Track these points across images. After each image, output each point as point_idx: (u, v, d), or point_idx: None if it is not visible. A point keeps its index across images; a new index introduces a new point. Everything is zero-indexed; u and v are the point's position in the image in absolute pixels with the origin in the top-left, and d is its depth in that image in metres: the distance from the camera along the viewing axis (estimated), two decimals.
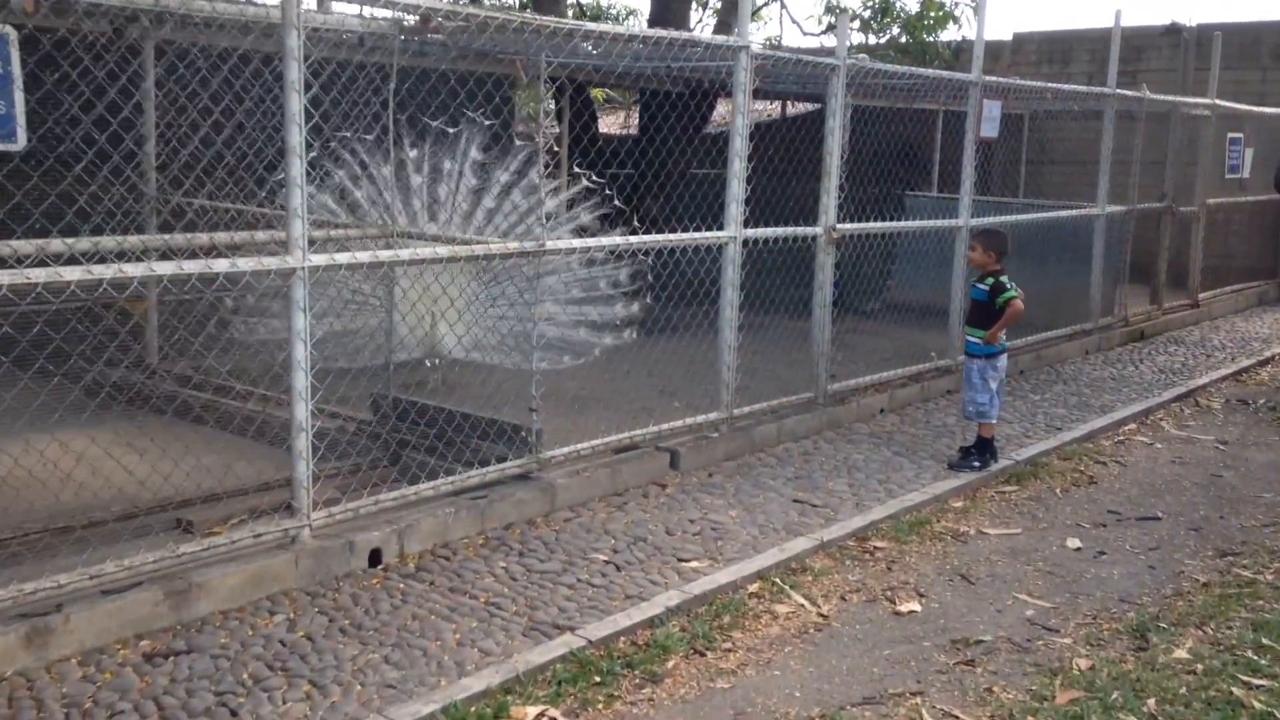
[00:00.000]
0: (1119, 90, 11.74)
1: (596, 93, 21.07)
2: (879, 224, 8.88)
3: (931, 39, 17.73)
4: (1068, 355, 11.47)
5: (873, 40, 18.27)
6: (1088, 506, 7.03)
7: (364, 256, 5.24)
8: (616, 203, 8.38)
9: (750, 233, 7.53)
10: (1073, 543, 6.32)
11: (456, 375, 8.59)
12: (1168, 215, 13.63)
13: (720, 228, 7.34)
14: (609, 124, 21.64)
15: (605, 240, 6.57)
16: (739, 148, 7.31)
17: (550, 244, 6.17)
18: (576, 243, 6.35)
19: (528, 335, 8.47)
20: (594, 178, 8.54)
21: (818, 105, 15.11)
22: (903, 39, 17.74)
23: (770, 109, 18.21)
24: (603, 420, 7.91)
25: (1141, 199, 12.77)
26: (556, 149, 8.34)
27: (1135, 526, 6.68)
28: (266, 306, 8.09)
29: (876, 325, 11.78)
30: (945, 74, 9.53)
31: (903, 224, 9.29)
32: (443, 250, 5.63)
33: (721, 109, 15.46)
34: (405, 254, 5.46)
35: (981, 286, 7.40)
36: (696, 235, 7.18)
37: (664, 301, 8.29)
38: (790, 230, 7.96)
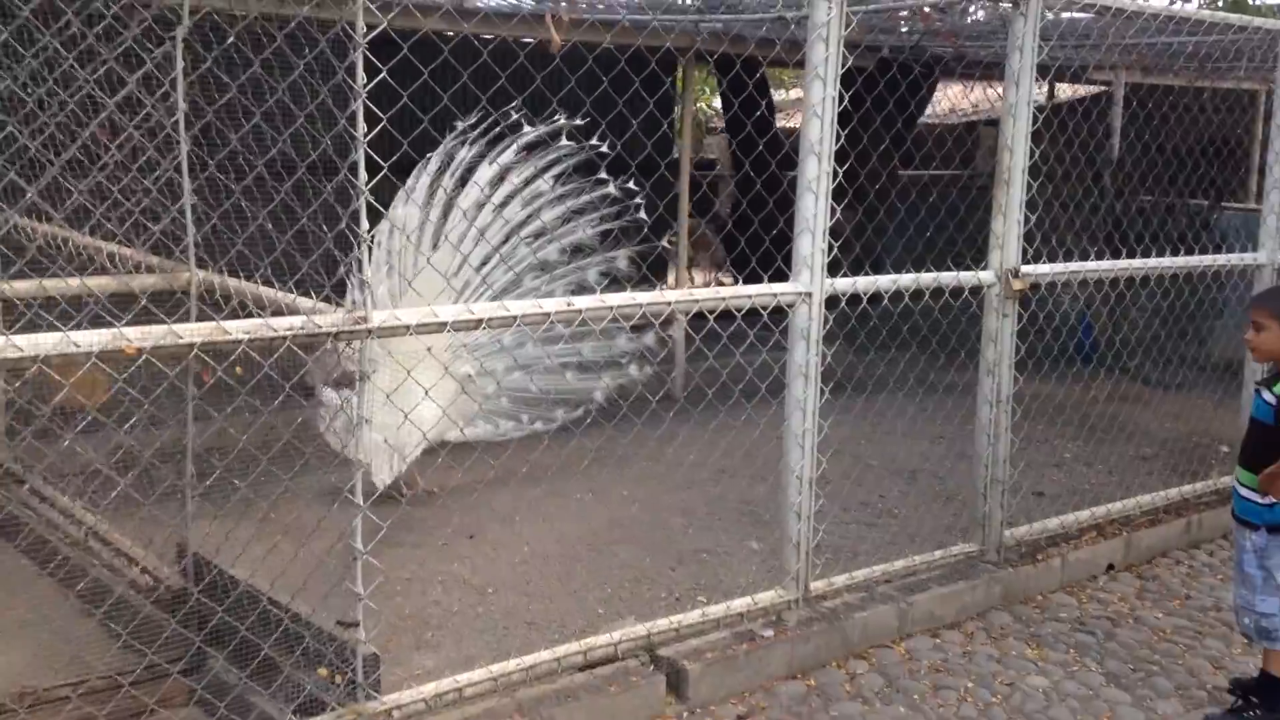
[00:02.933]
0: None
1: None
2: (1107, 264, 5.38)
3: (1256, 2, 13.50)
4: None
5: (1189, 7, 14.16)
6: None
7: None
8: (642, 215, 5.58)
9: (843, 284, 4.36)
10: None
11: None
12: None
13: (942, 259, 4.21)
14: None
15: (507, 307, 3.56)
16: (815, 138, 4.16)
17: (380, 319, 3.27)
18: (447, 312, 3.40)
19: (520, 393, 5.82)
20: (625, 184, 5.74)
21: (1103, 86, 11.36)
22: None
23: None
24: (614, 577, 4.97)
25: None
26: (587, 145, 5.49)
27: None
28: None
29: (1142, 391, 8.18)
30: (1233, 17, 5.86)
31: (1156, 262, 5.70)
32: (91, 339, 2.84)
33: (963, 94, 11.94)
34: None
35: (1268, 398, 3.87)
36: (724, 291, 4.06)
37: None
38: (929, 277, 4.68)
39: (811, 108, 4.17)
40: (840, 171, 4.25)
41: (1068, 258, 5.40)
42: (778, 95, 19.38)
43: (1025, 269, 4.90)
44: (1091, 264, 5.25)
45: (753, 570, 5.02)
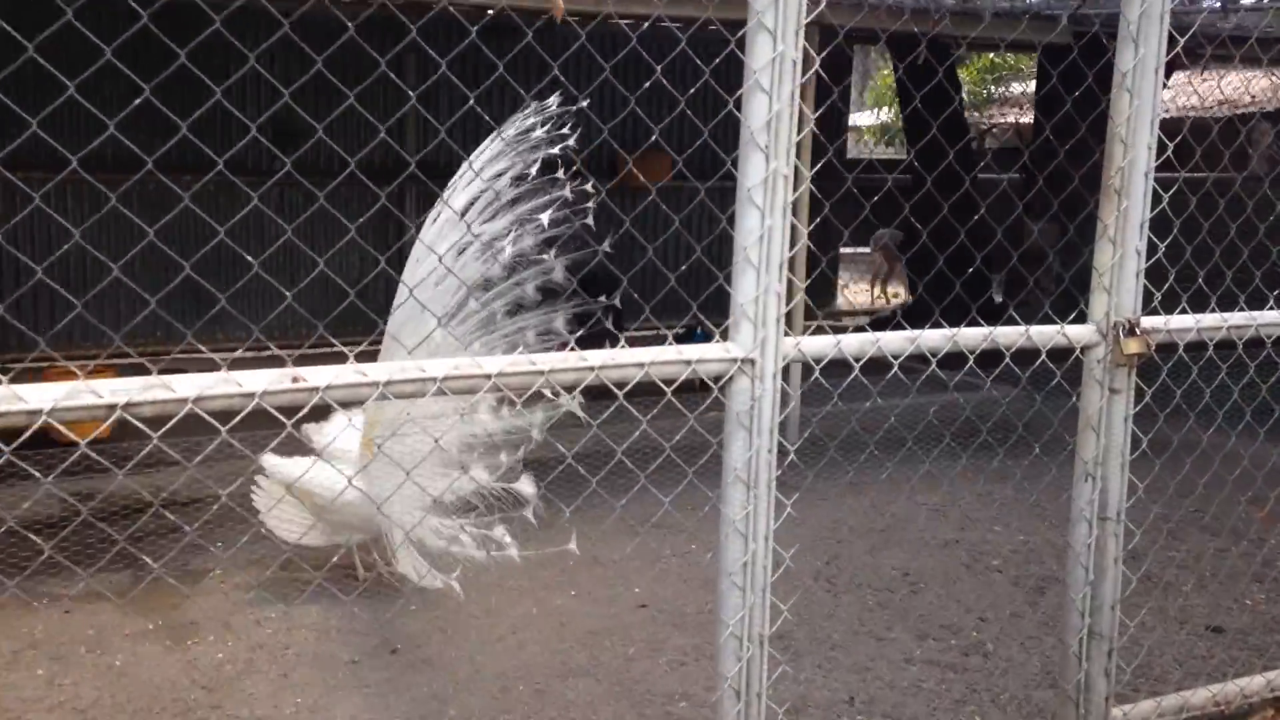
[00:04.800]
0: None
1: None
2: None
3: None
4: None
5: None
6: None
7: None
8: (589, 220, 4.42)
9: (814, 345, 2.88)
10: None
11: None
12: None
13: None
14: None
15: (238, 383, 2.32)
16: (758, 122, 2.70)
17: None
18: (115, 388, 2.19)
19: (469, 440, 4.79)
20: (593, 185, 4.54)
21: None
22: None
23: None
24: None
25: None
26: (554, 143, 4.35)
27: None
28: None
29: None
30: None
31: None
32: None
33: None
34: None
35: None
36: (624, 355, 2.65)
37: None
38: (974, 334, 3.09)
39: (753, 75, 2.70)
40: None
41: None
42: (1015, 87, 17.11)
43: (1149, 322, 3.22)
44: (1270, 314, 3.47)
45: None
